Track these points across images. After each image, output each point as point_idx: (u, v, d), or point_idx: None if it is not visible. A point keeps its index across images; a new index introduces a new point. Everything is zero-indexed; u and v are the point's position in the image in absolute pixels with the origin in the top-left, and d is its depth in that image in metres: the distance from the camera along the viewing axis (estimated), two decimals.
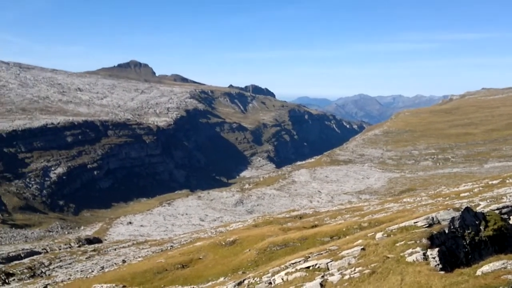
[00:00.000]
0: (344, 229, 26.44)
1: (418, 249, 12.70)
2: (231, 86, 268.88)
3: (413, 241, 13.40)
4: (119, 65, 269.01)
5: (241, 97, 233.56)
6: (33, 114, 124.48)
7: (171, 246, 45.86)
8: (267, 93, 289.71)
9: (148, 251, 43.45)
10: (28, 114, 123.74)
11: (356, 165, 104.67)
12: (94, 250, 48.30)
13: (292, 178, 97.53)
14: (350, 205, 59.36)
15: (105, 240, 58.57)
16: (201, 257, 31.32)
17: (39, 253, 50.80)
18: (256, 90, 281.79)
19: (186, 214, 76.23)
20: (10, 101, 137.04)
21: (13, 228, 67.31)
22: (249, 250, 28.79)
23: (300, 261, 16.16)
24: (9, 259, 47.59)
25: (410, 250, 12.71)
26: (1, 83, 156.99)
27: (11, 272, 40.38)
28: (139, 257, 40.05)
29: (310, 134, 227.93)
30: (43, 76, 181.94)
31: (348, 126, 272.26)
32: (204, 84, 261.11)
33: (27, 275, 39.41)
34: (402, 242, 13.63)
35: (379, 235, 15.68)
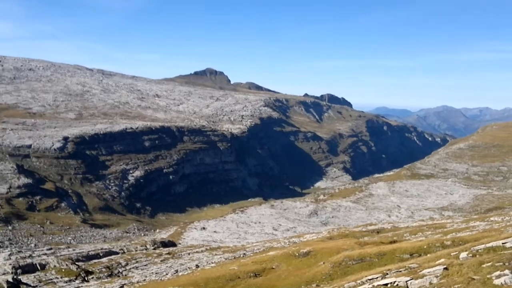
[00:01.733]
0: (425, 247, 25.76)
1: (507, 271, 12.24)
2: (306, 95, 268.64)
3: (501, 263, 12.93)
4: (196, 73, 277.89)
5: (317, 106, 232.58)
6: (113, 118, 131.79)
7: (244, 253, 46.60)
8: (344, 102, 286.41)
9: (221, 257, 44.47)
10: (109, 118, 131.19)
11: (438, 179, 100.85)
12: (168, 253, 50.09)
13: (369, 191, 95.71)
14: (431, 221, 57.34)
15: (179, 244, 60.64)
16: (274, 267, 31.67)
17: (116, 253, 53.32)
18: (332, 99, 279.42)
19: (259, 222, 77.10)
20: (93, 106, 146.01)
21: (93, 228, 71.56)
22: (324, 263, 28.73)
23: (377, 278, 16.04)
24: (88, 257, 50.34)
25: (498, 273, 12.28)
26: (85, 88, 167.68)
27: (90, 270, 42.85)
28: (212, 262, 41.12)
29: (389, 146, 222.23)
30: (124, 82, 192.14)
31: (430, 138, 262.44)
32: (278, 93, 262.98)
33: (105, 274, 41.61)
34: (489, 264, 13.19)
35: (463, 254, 15.25)
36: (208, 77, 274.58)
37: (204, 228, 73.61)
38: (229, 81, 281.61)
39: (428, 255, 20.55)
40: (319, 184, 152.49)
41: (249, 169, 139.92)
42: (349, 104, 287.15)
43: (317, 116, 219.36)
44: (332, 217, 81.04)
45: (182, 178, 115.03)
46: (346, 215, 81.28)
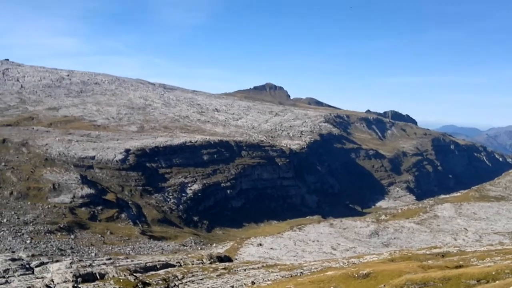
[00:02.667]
0: (493, 273, 24.34)
1: None
2: (368, 111, 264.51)
3: None
4: (255, 88, 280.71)
5: (379, 123, 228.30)
6: (173, 132, 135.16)
7: (301, 272, 45.94)
8: (408, 119, 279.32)
9: (277, 275, 44.04)
10: (169, 132, 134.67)
11: (509, 202, 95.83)
12: (224, 268, 50.19)
13: (434, 212, 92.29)
14: (501, 246, 54.28)
15: (236, 259, 60.70)
16: (331, 287, 30.94)
17: (173, 265, 54.04)
18: (396, 116, 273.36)
19: (317, 241, 76.00)
20: (154, 119, 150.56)
21: (151, 240, 73.15)
22: (384, 285, 27.76)
23: None
24: (146, 269, 51.26)
25: None
26: (147, 102, 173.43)
27: (147, 282, 43.57)
28: (268, 280, 40.76)
29: (456, 166, 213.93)
30: (184, 96, 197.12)
31: (500, 159, 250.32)
32: (339, 108, 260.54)
33: (162, 286, 42.15)
34: None
35: None
36: (268, 92, 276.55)
37: (260, 244, 73.37)
38: (289, 96, 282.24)
39: (497, 281, 19.35)
40: (380, 203, 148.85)
41: (308, 186, 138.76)
42: (414, 122, 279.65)
43: (379, 133, 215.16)
44: (394, 238, 78.80)
45: (240, 193, 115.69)
46: (409, 237, 78.77)
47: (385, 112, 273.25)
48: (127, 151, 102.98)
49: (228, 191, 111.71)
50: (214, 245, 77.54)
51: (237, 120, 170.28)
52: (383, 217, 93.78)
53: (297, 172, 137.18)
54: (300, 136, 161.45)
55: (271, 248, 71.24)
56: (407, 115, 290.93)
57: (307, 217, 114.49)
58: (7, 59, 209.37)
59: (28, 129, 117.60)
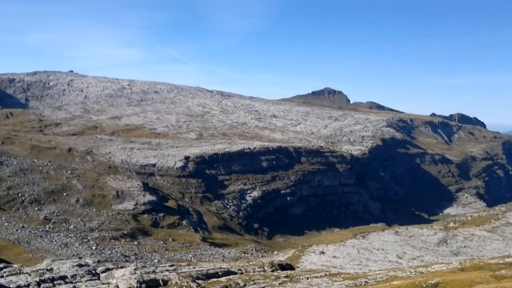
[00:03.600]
0: None
1: None
2: (433, 114, 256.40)
3: None
4: (313, 93, 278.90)
5: (445, 126, 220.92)
6: (232, 139, 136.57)
7: (366, 281, 44.80)
8: (476, 122, 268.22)
9: (341, 284, 43.15)
10: (227, 138, 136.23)
11: None
12: (286, 277, 49.80)
13: (507, 219, 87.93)
14: None
15: (298, 267, 60.21)
16: None
17: (234, 273, 54.21)
18: (463, 119, 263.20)
19: (382, 249, 74.16)
20: (213, 126, 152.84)
21: (212, 246, 74.00)
22: None
23: None
24: (208, 276, 51.67)
25: None
26: (205, 109, 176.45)
27: None
28: None
29: None
30: (242, 103, 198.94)
31: None
32: (402, 112, 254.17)
33: None
34: None
35: None
36: (326, 97, 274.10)
37: (323, 253, 72.47)
38: (349, 100, 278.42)
39: None
40: (448, 210, 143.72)
41: (371, 193, 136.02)
42: (482, 124, 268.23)
43: (445, 137, 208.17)
44: (464, 246, 75.77)
45: (300, 200, 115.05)
46: (480, 245, 75.51)
47: (451, 115, 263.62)
48: (187, 158, 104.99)
49: (288, 198, 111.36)
50: (275, 252, 77.38)
51: (296, 126, 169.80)
52: (451, 224, 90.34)
53: (359, 178, 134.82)
54: (361, 142, 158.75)
55: (334, 257, 70.19)
56: (475, 118, 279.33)
57: (371, 225, 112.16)
58: (72, 71, 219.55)
59: (92, 137, 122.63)
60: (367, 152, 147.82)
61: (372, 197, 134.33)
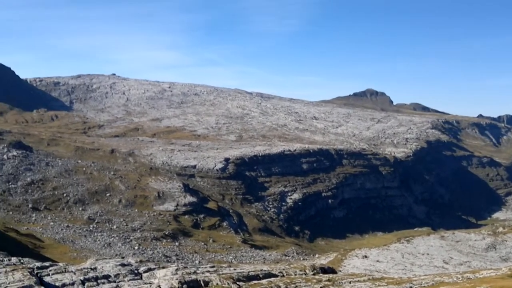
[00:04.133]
0: None
1: None
2: (480, 116, 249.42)
3: None
4: (355, 94, 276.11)
5: (493, 128, 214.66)
6: (272, 140, 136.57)
7: (410, 286, 43.73)
8: None
9: None
10: (267, 140, 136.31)
11: None
12: (328, 280, 49.23)
13: None
14: None
15: (340, 271, 59.47)
16: None
17: (275, 276, 53.95)
18: None
19: (427, 254, 72.43)
20: (252, 128, 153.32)
21: (253, 248, 74.06)
22: None
23: None
24: (249, 278, 51.61)
25: None
26: (245, 111, 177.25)
27: None
28: None
29: None
30: (282, 105, 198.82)
31: None
32: (448, 114, 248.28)
33: None
34: None
35: None
36: (368, 98, 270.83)
37: (365, 257, 71.35)
38: (391, 102, 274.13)
39: None
40: (497, 215, 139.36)
41: (415, 196, 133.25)
42: None
43: (494, 139, 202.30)
44: None
45: (342, 203, 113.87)
46: None
47: (499, 117, 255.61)
48: (227, 160, 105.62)
49: (330, 201, 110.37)
50: (316, 255, 76.74)
51: (337, 127, 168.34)
52: (500, 229, 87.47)
53: (403, 181, 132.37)
54: (405, 144, 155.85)
55: (377, 261, 68.99)
56: None
57: (415, 229, 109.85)
58: (114, 74, 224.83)
59: (134, 139, 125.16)
60: (411, 154, 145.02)
61: (416, 201, 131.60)
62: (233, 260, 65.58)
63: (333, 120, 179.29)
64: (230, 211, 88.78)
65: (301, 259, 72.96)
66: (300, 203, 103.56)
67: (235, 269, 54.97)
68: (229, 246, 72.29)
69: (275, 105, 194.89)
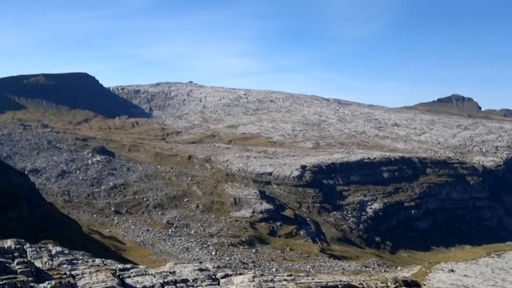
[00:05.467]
0: None
1: None
2: None
3: None
4: (439, 100, 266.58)
5: None
6: (350, 148, 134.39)
7: None
8: None
9: None
10: (345, 148, 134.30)
11: None
12: None
13: None
14: None
15: (424, 285, 57.09)
16: None
17: (355, 287, 52.65)
18: None
19: None
20: (330, 135, 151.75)
21: (331, 258, 72.86)
22: None
23: None
24: None
25: None
26: (322, 118, 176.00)
27: None
28: None
29: None
30: (360, 111, 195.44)
31: None
32: None
33: None
34: None
35: None
36: (454, 104, 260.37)
37: (452, 271, 68.05)
38: (479, 108, 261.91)
39: None
40: None
41: (507, 208, 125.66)
42: None
43: None
44: None
45: (426, 214, 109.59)
46: None
47: None
48: (303, 167, 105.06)
49: (413, 211, 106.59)
50: (399, 268, 74.19)
51: (420, 135, 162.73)
52: None
53: (493, 192, 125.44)
54: (495, 152, 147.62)
55: (465, 275, 65.59)
56: None
57: (507, 243, 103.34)
58: (191, 81, 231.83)
59: (211, 146, 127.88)
60: (501, 163, 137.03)
61: (508, 213, 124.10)
62: (311, 269, 64.89)
63: (416, 127, 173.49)
64: (307, 219, 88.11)
65: (382, 271, 70.85)
66: (380, 213, 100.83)
67: (313, 279, 54.29)
68: (306, 255, 71.63)
69: (353, 112, 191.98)
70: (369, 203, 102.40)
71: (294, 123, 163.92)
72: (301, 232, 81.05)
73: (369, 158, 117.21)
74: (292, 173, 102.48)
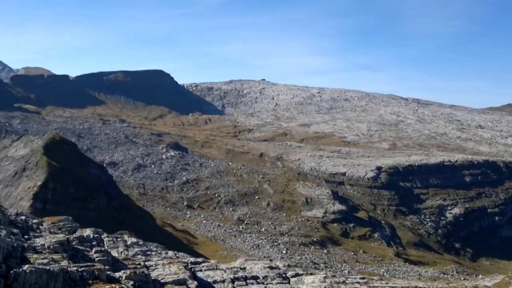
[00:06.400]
0: None
1: None
2: None
3: None
4: None
5: None
6: (429, 150, 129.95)
7: None
8: None
9: None
10: (424, 150, 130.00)
11: None
12: None
13: None
14: None
15: None
16: None
17: None
18: None
19: None
20: (408, 136, 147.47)
21: (407, 263, 70.73)
22: None
23: None
24: None
25: None
26: (399, 118, 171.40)
27: None
28: None
29: None
30: (441, 112, 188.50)
31: None
32: None
33: None
34: None
35: None
36: None
37: None
38: None
39: None
40: None
41: None
42: None
43: None
44: None
45: (511, 221, 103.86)
46: None
47: None
48: (379, 168, 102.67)
49: (496, 218, 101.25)
50: (480, 276, 70.84)
51: (507, 138, 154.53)
52: None
53: None
54: None
55: None
56: None
57: None
58: (264, 79, 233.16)
59: (282, 144, 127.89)
60: None
61: None
62: (385, 273, 63.28)
63: (502, 130, 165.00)
64: (382, 222, 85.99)
65: (462, 278, 67.88)
66: (461, 219, 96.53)
67: (387, 283, 52.85)
68: (380, 259, 69.96)
69: (433, 112, 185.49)
70: (449, 208, 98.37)
71: (370, 123, 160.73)
72: (375, 235, 79.28)
73: (450, 161, 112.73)
74: (366, 174, 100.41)
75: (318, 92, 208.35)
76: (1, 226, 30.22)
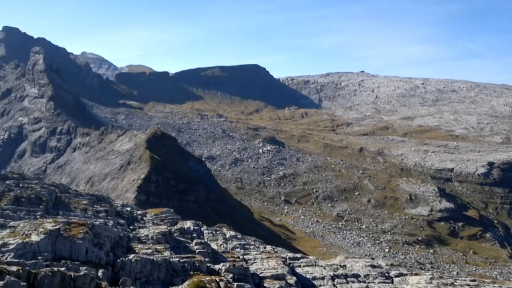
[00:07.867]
0: None
1: None
2: None
3: None
4: None
5: None
6: None
7: None
8: None
9: None
10: None
11: None
12: None
13: None
14: None
15: None
16: None
17: None
18: None
19: None
20: None
21: None
22: None
23: None
24: None
25: None
26: None
27: None
28: None
29: None
30: None
31: None
32: None
33: None
34: None
35: None
36: None
37: None
38: None
39: None
40: None
41: None
42: None
43: None
44: None
45: None
46: None
47: None
48: (491, 164, 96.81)
49: None
50: None
51: None
52: None
53: None
54: None
55: None
56: None
57: None
58: (363, 71, 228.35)
59: (383, 138, 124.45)
60: None
61: None
62: (498, 276, 59.59)
63: None
64: (495, 221, 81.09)
65: None
66: None
67: (500, 287, 49.71)
68: (493, 260, 66.02)
69: None
70: None
71: (480, 115, 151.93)
72: (487, 235, 74.94)
73: None
74: (477, 170, 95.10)
75: (422, 83, 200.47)
76: (109, 217, 32.02)
